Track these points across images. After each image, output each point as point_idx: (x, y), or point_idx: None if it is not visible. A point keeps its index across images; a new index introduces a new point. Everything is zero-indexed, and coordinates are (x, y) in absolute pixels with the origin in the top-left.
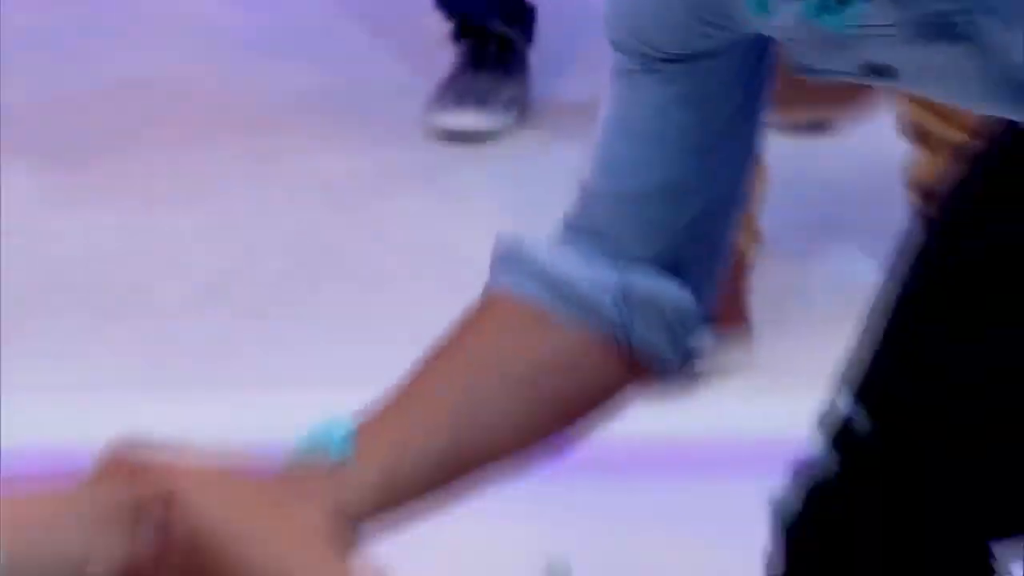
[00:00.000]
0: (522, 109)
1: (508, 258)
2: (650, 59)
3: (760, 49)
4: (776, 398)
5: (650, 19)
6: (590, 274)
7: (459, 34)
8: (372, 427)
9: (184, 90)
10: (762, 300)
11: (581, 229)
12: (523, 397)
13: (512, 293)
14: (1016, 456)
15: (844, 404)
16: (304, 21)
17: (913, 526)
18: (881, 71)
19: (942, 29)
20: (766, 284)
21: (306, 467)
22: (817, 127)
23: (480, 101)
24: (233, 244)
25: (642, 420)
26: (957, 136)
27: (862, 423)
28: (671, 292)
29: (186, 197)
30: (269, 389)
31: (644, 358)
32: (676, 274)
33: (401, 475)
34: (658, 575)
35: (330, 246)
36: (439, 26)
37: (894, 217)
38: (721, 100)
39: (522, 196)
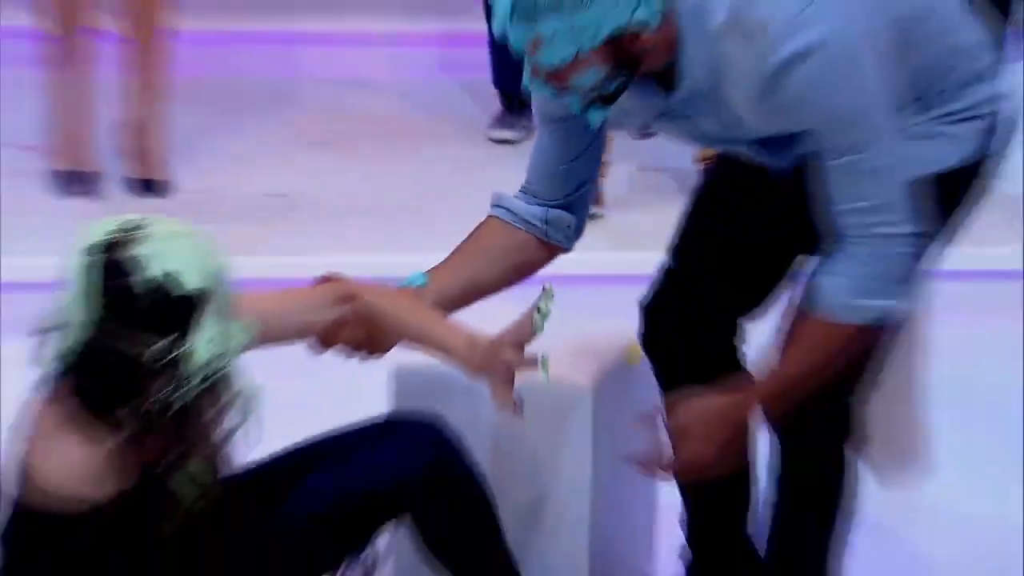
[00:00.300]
0: (531, 130)
1: (497, 201)
2: (544, 120)
3: None
4: (621, 246)
5: (540, 102)
6: (531, 209)
7: (502, 94)
8: (435, 274)
9: (361, 116)
10: (612, 193)
11: (527, 189)
12: (501, 264)
13: (497, 217)
14: (741, 277)
15: (667, 258)
16: (423, 83)
17: (694, 312)
18: (649, 128)
19: (666, 116)
20: (615, 186)
21: (406, 291)
22: (647, 135)
23: (512, 126)
24: (376, 191)
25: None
26: None
27: (674, 266)
28: (566, 216)
29: (358, 165)
30: (398, 253)
31: (555, 246)
32: (568, 209)
33: (445, 296)
34: (558, 336)
35: (429, 196)
36: (493, 90)
37: (691, 172)
38: (580, 136)
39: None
